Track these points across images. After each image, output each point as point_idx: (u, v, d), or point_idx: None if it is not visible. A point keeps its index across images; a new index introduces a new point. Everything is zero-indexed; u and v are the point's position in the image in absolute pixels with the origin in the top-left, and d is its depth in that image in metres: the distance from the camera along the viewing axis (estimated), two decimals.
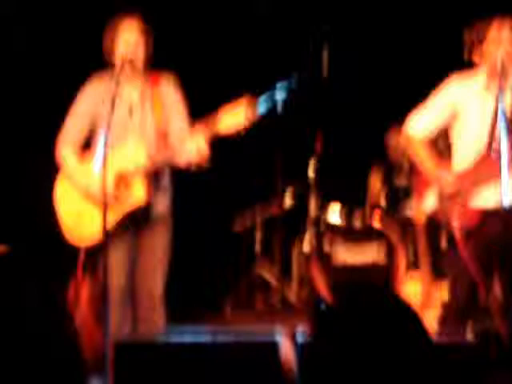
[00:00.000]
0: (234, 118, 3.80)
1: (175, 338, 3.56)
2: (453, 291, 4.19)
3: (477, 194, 4.01)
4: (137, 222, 4.05)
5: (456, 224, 4.00)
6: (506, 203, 3.83)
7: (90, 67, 4.23)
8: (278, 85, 5.75)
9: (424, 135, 4.17)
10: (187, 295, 5.86)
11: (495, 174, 3.88)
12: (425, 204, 4.14)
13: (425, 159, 4.14)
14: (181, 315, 5.20)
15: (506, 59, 3.95)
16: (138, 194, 3.96)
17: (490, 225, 3.95)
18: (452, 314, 4.16)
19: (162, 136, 4.06)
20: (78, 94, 4.19)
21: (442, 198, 4.06)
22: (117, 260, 4.00)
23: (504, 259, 4.00)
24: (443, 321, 4.20)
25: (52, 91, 5.69)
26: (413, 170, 5.42)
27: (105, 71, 4.16)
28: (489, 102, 4.00)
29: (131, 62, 4.02)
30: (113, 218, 3.93)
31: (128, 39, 4.04)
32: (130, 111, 4.09)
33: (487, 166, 3.96)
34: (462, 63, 4.18)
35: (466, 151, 4.07)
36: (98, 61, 4.16)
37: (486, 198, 3.98)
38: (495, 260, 4.04)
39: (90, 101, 4.14)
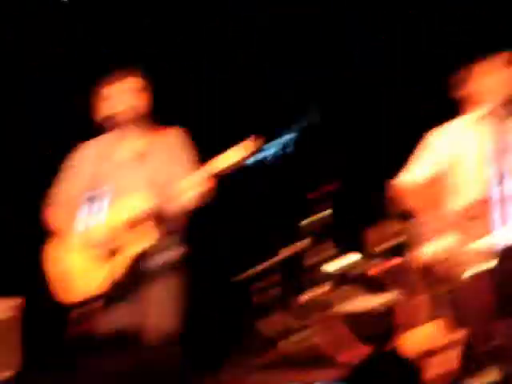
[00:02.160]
0: (231, 156, 3.81)
1: None
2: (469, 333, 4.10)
3: (486, 234, 3.93)
4: (141, 271, 3.92)
5: (459, 270, 3.93)
6: (501, 243, 3.78)
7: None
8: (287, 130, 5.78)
9: (417, 185, 4.14)
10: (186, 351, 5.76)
11: (491, 216, 3.84)
12: (425, 250, 4.06)
13: (420, 208, 4.09)
14: None
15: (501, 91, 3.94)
16: (143, 238, 3.86)
17: (500, 264, 3.88)
18: (468, 358, 4.06)
19: (168, 187, 3.92)
20: (67, 161, 4.17)
21: (456, 239, 3.99)
22: (121, 314, 3.89)
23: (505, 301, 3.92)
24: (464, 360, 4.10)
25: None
26: (409, 218, 5.36)
27: (93, 138, 4.15)
28: (480, 139, 3.97)
29: (126, 113, 3.98)
30: (118, 268, 3.85)
31: (123, 88, 4.00)
32: (135, 162, 4.03)
33: (485, 207, 3.90)
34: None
35: (461, 194, 4.02)
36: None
37: (493, 239, 3.91)
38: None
39: (82, 163, 4.10)
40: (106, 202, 3.98)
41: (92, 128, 4.10)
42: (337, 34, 6.57)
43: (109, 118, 4.02)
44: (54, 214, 4.13)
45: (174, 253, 4.04)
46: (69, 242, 3.99)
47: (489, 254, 3.85)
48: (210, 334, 6.14)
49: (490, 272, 3.86)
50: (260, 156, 5.67)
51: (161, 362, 3.90)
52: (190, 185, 3.79)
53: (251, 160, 5.65)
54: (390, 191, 6.11)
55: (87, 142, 4.18)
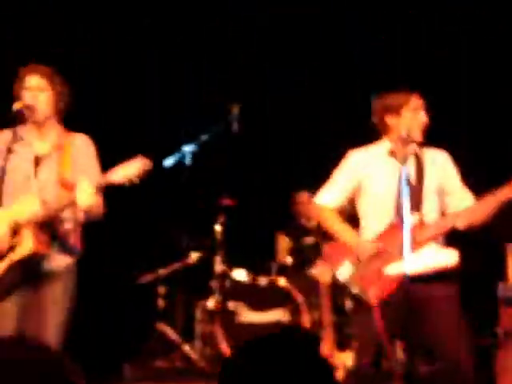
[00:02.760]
0: (128, 171, 3.85)
1: None
2: (359, 355, 4.14)
3: (392, 261, 4.00)
4: (25, 274, 3.92)
5: (373, 292, 3.98)
6: (408, 271, 3.86)
7: None
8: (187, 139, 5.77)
9: (334, 206, 4.18)
10: (86, 354, 5.66)
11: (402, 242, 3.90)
12: (339, 272, 4.10)
13: (340, 228, 4.13)
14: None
15: (413, 128, 4.01)
16: (26, 243, 3.86)
17: (395, 292, 3.95)
18: (356, 379, 4.11)
19: (69, 189, 3.94)
20: None
21: (359, 265, 4.04)
22: (6, 313, 3.88)
23: (407, 326, 4.00)
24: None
25: None
26: (320, 231, 5.42)
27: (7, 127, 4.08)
28: (392, 171, 4.05)
29: (30, 108, 3.94)
30: (3, 267, 3.86)
31: (30, 85, 3.97)
32: (35, 163, 4.00)
33: (396, 233, 3.96)
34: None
35: (374, 220, 4.09)
36: None
37: (395, 266, 3.97)
38: (398, 326, 4.03)
39: None
40: (8, 195, 3.94)
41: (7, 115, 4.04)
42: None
43: (25, 110, 3.98)
44: None
45: (65, 257, 4.01)
46: None
47: (394, 281, 3.94)
48: (111, 337, 6.05)
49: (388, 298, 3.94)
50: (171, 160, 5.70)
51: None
52: (86, 190, 3.82)
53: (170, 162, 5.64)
54: (302, 201, 6.22)
55: (8, 128, 4.09)
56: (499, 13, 6.11)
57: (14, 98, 4.02)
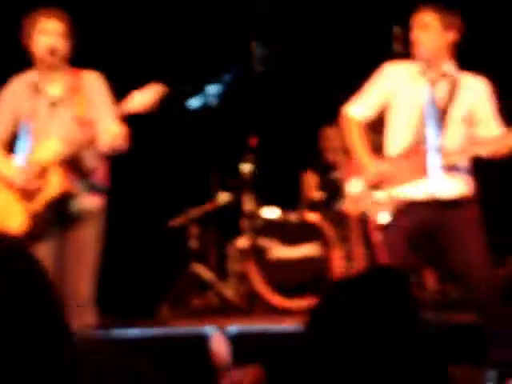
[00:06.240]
0: (143, 97, 3.89)
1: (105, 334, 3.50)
2: None
3: (402, 185, 3.99)
4: (56, 215, 3.99)
5: (375, 214, 3.98)
6: (433, 194, 3.86)
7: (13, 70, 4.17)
8: (213, 79, 5.77)
9: (362, 118, 4.14)
10: (121, 294, 5.76)
11: (423, 166, 3.89)
12: (348, 189, 4.12)
13: (357, 144, 4.11)
14: (114, 315, 5.11)
15: (432, 45, 3.96)
16: (54, 183, 3.94)
17: (413, 215, 3.94)
18: None
19: (88, 126, 3.99)
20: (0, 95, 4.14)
21: (364, 186, 4.05)
22: (41, 256, 3.90)
23: (438, 250, 4.01)
24: None
25: None
26: (347, 162, 5.43)
27: (26, 70, 4.11)
28: (421, 90, 4.00)
29: (54, 51, 3.97)
30: (35, 210, 3.93)
31: (49, 28, 3.99)
32: (53, 104, 4.05)
33: (416, 157, 3.95)
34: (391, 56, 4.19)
35: (397, 140, 4.07)
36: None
37: (413, 189, 3.96)
38: (426, 251, 4.05)
39: (11, 98, 4.09)
40: (29, 140, 4.03)
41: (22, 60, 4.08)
42: None
43: (37, 53, 4.02)
44: None
45: (94, 198, 4.08)
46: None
47: (408, 204, 3.93)
48: (146, 279, 6.15)
49: (400, 223, 3.94)
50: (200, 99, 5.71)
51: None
52: (108, 127, 3.88)
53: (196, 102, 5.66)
54: (330, 135, 6.20)
55: (17, 76, 4.15)
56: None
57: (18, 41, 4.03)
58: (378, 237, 3.93)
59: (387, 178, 3.97)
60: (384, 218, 3.90)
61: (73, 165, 3.99)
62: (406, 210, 3.90)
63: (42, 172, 3.96)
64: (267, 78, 6.16)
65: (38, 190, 3.96)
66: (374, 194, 3.97)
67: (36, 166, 3.97)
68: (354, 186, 4.05)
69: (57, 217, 4.02)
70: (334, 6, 6.57)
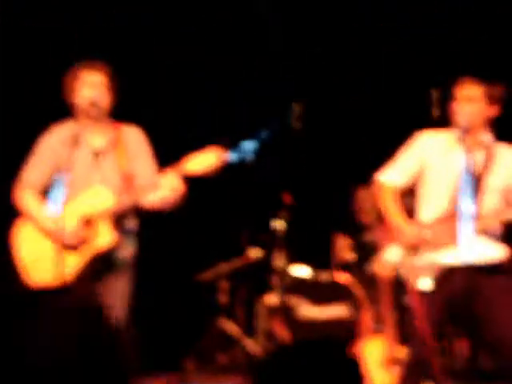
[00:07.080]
0: (203, 160, 3.84)
1: None
2: (411, 348, 4.11)
3: (440, 250, 3.96)
4: (102, 266, 3.97)
5: (414, 279, 3.94)
6: (469, 261, 3.82)
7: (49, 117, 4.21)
8: (251, 136, 5.79)
9: (395, 185, 4.13)
10: (147, 349, 5.73)
11: (457, 232, 3.86)
12: (386, 257, 4.08)
13: (392, 211, 4.09)
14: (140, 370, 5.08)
15: (474, 117, 3.94)
16: (104, 237, 3.92)
17: (452, 282, 3.91)
18: (410, 373, 4.06)
19: (128, 181, 4.01)
20: (37, 142, 4.16)
21: (404, 250, 4.01)
22: None
23: (472, 317, 3.95)
24: (402, 380, 4.10)
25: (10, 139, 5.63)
26: (380, 225, 5.40)
27: (65, 120, 4.16)
28: (457, 158, 3.98)
29: (95, 104, 4.00)
30: (79, 261, 3.90)
31: (92, 80, 4.03)
32: (96, 155, 4.06)
33: (451, 223, 3.92)
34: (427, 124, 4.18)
35: (431, 206, 4.04)
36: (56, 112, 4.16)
37: (448, 255, 3.93)
38: (459, 320, 3.99)
39: (51, 148, 4.11)
40: (64, 191, 3.96)
41: (61, 109, 4.12)
42: None
43: (80, 105, 4.05)
44: (23, 195, 4.13)
45: (130, 250, 4.08)
46: (37, 227, 4.01)
47: (447, 270, 3.89)
48: (173, 332, 6.12)
49: (440, 289, 3.90)
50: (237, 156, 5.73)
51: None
52: (165, 184, 3.83)
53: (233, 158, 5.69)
54: (363, 196, 6.19)
55: (58, 124, 4.18)
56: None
57: (62, 92, 4.08)
58: (414, 302, 3.87)
59: (425, 243, 3.94)
60: (425, 283, 3.86)
61: (119, 218, 3.98)
62: (447, 276, 3.87)
63: (88, 222, 3.93)
64: (304, 134, 6.17)
65: (84, 241, 3.93)
66: (413, 260, 3.93)
67: (81, 215, 3.93)
68: (392, 254, 4.02)
69: (101, 267, 3.98)
70: (376, 68, 6.59)
